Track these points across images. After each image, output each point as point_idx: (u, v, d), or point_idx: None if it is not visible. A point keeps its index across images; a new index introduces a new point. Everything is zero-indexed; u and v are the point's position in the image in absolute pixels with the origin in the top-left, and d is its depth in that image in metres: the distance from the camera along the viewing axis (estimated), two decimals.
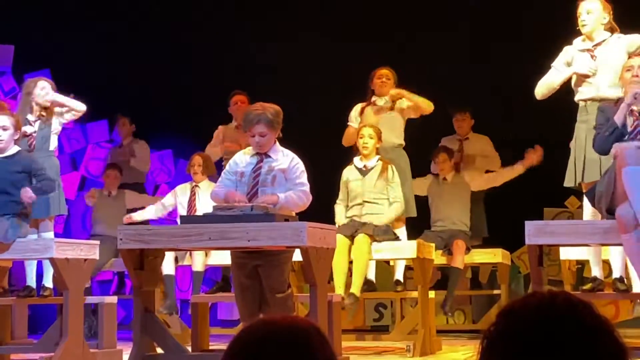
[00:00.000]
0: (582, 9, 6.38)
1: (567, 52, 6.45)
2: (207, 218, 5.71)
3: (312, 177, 5.94)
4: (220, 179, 5.96)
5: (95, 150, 12.12)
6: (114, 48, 11.57)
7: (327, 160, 8.30)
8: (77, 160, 12.17)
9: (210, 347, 6.79)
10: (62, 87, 11.92)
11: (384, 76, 8.50)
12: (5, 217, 6.49)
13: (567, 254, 7.77)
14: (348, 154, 8.40)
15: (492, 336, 1.65)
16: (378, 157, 7.99)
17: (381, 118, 8.31)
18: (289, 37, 11.03)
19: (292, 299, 5.81)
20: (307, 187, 5.78)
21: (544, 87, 6.53)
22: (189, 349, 6.20)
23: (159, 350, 5.86)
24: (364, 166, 7.95)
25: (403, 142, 8.44)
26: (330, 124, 9.21)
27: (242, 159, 5.86)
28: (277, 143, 5.86)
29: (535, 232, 5.69)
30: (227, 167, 5.96)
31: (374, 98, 8.51)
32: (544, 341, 1.60)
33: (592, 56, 6.33)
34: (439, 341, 7.94)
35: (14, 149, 6.79)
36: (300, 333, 1.70)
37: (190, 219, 6.04)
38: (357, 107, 8.55)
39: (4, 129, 6.73)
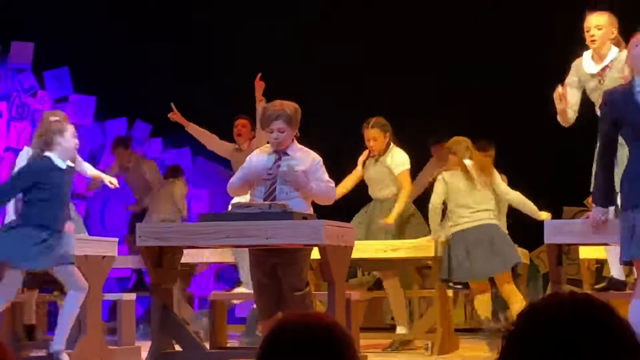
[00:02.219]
0: (590, 23, 6.13)
1: (578, 69, 6.24)
2: (225, 216, 5.71)
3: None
4: (238, 173, 5.92)
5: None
6: (133, 46, 11.59)
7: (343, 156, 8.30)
8: (96, 157, 12.21)
9: (228, 345, 6.80)
10: (81, 85, 12.01)
11: (370, 138, 7.89)
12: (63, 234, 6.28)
13: (587, 253, 7.75)
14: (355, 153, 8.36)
15: (512, 336, 1.65)
16: None
17: (374, 173, 7.92)
18: (304, 35, 11.03)
19: (310, 297, 5.80)
20: (333, 184, 5.81)
21: (569, 110, 6.30)
22: (207, 346, 6.21)
23: (177, 348, 5.87)
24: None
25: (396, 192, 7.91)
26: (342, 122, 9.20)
27: (261, 157, 5.84)
28: (295, 141, 5.85)
29: (554, 231, 5.67)
30: (247, 160, 5.90)
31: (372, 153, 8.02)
32: (564, 342, 1.59)
33: (600, 81, 6.14)
34: (457, 340, 7.93)
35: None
36: (323, 330, 1.70)
37: (209, 216, 6.04)
38: (364, 154, 8.07)
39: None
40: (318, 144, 6.08)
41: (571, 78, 6.26)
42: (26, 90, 12.25)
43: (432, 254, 7.39)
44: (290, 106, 5.79)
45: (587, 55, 6.20)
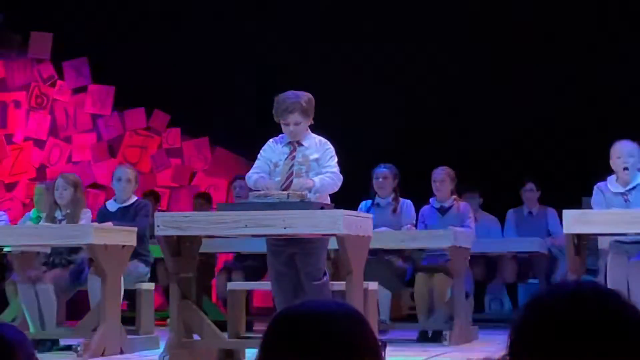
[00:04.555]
0: (621, 151, 6.30)
1: (601, 193, 6.39)
2: (243, 205, 5.72)
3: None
4: (256, 163, 5.88)
5: (133, 138, 12.19)
6: (151, 35, 11.60)
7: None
8: (115, 147, 12.24)
9: (246, 334, 6.81)
10: (99, 75, 12.03)
11: (381, 176, 8.10)
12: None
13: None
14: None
15: (520, 326, 1.64)
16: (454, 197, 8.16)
17: (384, 221, 7.89)
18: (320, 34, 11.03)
19: (328, 287, 5.81)
20: (336, 169, 5.75)
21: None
22: (225, 335, 6.23)
23: (196, 337, 5.89)
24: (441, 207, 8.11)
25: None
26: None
27: (275, 149, 5.83)
28: (309, 130, 5.84)
29: (573, 221, 5.67)
30: (262, 151, 5.90)
31: (377, 200, 8.13)
32: (572, 330, 1.58)
33: (625, 200, 6.28)
34: (475, 330, 7.92)
35: (133, 198, 7.68)
36: (342, 318, 1.70)
37: (227, 206, 6.05)
38: (366, 205, 8.12)
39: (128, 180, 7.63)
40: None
41: (595, 203, 6.42)
42: (45, 80, 12.29)
43: (450, 244, 7.39)
44: (304, 96, 5.74)
45: (611, 179, 6.40)
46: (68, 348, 7.04)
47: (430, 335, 7.90)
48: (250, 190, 5.83)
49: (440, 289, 7.86)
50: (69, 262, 7.43)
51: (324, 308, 1.71)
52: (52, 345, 7.17)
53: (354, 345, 1.67)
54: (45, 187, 8.34)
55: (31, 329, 7.08)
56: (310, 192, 5.61)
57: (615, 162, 6.33)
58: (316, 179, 5.65)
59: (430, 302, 7.99)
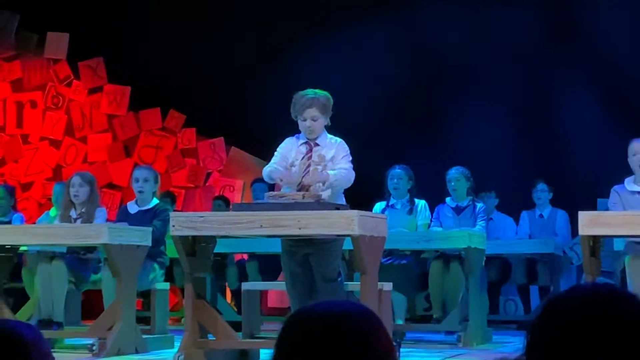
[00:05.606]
0: (637, 149, 6.41)
1: (617, 195, 6.47)
2: (258, 206, 5.72)
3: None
4: (273, 158, 5.87)
5: (148, 138, 12.21)
6: (166, 36, 11.62)
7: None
8: (130, 147, 12.27)
9: (261, 335, 6.82)
10: (115, 75, 12.07)
11: (395, 177, 8.03)
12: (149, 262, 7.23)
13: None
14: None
15: (536, 329, 1.64)
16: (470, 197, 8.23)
17: (400, 222, 7.90)
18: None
19: (343, 287, 5.81)
20: (348, 166, 5.75)
21: None
22: (240, 335, 6.23)
23: (210, 336, 5.89)
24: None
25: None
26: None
27: (293, 146, 5.84)
28: (325, 131, 5.84)
29: (588, 222, 5.65)
30: (279, 147, 5.89)
31: (391, 201, 8.09)
32: (588, 333, 1.58)
33: None
34: (489, 332, 7.89)
35: (153, 202, 7.58)
36: (356, 318, 1.70)
37: (242, 206, 6.05)
38: (380, 206, 8.09)
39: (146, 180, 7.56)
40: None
41: (612, 204, 6.50)
42: (61, 81, 12.33)
43: (465, 245, 7.37)
44: (323, 94, 5.77)
45: (629, 179, 6.49)
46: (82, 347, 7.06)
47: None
48: (267, 188, 5.85)
49: (454, 281, 7.79)
50: (84, 261, 7.47)
51: (338, 308, 1.71)
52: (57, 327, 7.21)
53: (368, 346, 1.67)
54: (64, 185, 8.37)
55: (41, 309, 7.15)
56: (323, 185, 5.60)
57: (632, 160, 6.37)
58: (331, 173, 5.65)
59: (444, 292, 7.94)
